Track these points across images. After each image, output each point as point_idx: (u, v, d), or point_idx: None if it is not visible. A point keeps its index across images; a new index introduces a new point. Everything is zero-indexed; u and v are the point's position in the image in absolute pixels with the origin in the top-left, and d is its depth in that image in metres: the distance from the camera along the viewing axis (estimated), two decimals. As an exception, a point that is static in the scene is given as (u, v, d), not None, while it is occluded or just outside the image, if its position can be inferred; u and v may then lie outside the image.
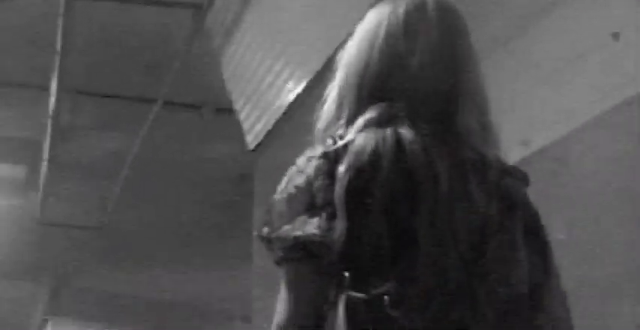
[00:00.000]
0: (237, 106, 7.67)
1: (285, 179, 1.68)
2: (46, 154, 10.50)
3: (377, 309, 1.50)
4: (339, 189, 1.57)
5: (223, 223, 11.15)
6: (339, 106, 1.75)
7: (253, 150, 7.63)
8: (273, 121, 7.06)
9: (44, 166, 10.82)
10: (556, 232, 1.98)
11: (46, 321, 20.58)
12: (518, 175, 1.73)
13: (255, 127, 7.52)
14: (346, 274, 1.52)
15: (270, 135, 6.94)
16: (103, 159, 11.41)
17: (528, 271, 1.60)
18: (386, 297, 1.51)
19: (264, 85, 7.15)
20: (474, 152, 1.66)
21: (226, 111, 8.83)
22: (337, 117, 1.74)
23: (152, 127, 9.52)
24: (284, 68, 6.69)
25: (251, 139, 7.58)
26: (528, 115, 4.31)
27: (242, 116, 7.71)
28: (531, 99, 4.24)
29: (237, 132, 8.01)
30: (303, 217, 1.58)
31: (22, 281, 19.22)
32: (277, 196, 1.66)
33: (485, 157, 1.66)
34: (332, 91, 1.77)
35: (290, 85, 6.50)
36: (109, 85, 9.83)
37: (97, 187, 12.12)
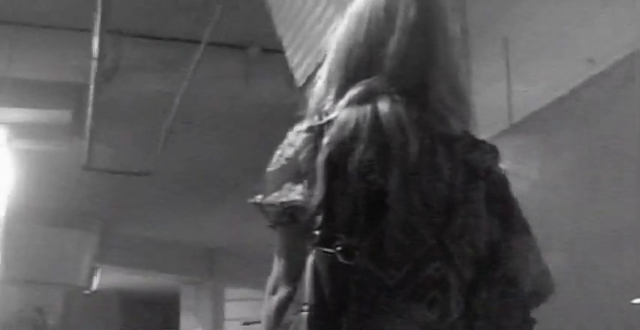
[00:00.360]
0: (285, 43, 7.43)
1: (277, 152, 1.89)
2: (90, 98, 10.33)
3: (347, 264, 1.65)
4: (320, 158, 1.77)
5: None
6: (328, 84, 1.96)
7: (300, 89, 7.43)
8: (320, 59, 6.85)
9: (89, 111, 10.67)
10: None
11: (95, 269, 20.73)
12: (485, 149, 1.91)
13: (302, 66, 7.30)
14: (316, 232, 1.69)
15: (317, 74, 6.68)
16: (149, 102, 11.25)
17: (489, 234, 1.79)
18: (357, 252, 1.67)
19: (312, 20, 6.91)
20: (444, 126, 1.85)
21: (272, 51, 8.61)
22: (326, 94, 1.95)
23: (197, 68, 9.32)
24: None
25: (299, 77, 7.36)
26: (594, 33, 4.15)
27: (290, 54, 7.48)
28: (598, 18, 4.08)
29: (284, 72, 7.78)
30: (288, 185, 1.78)
31: (70, 229, 19.30)
32: (270, 168, 1.88)
33: (453, 131, 1.86)
34: (323, 71, 1.96)
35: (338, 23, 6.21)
36: (154, 25, 9.62)
37: (143, 132, 11.99)
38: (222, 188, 13.92)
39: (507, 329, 1.78)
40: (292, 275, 1.77)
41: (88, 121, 11.01)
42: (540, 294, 1.86)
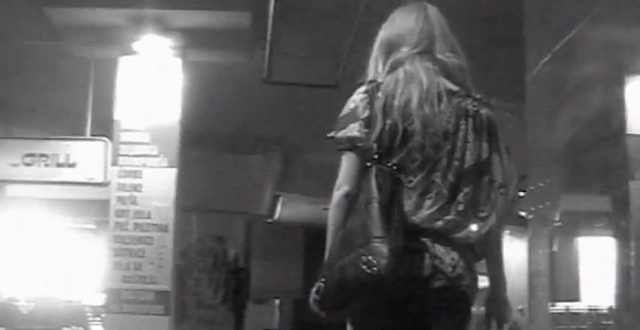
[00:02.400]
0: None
1: (346, 105, 3.03)
2: (271, 6, 9.01)
3: (391, 172, 2.83)
4: (377, 104, 2.97)
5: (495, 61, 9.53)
6: (376, 61, 3.15)
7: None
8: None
9: (270, 18, 9.33)
10: None
11: (277, 197, 20.40)
12: (475, 98, 3.02)
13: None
14: (375, 156, 2.87)
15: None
16: (334, 7, 9.79)
17: (474, 153, 2.93)
18: (395, 166, 2.87)
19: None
20: (448, 81, 3.03)
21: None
22: (375, 68, 3.15)
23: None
24: None
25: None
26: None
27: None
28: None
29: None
30: (352, 125, 2.94)
31: (250, 155, 18.37)
32: (341, 115, 3.04)
33: (454, 85, 3.03)
34: (372, 55, 3.17)
35: None
36: None
37: (328, 41, 10.55)
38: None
39: (489, 213, 2.92)
40: (351, 179, 2.90)
41: (269, 30, 9.69)
42: (512, 192, 2.95)
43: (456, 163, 2.90)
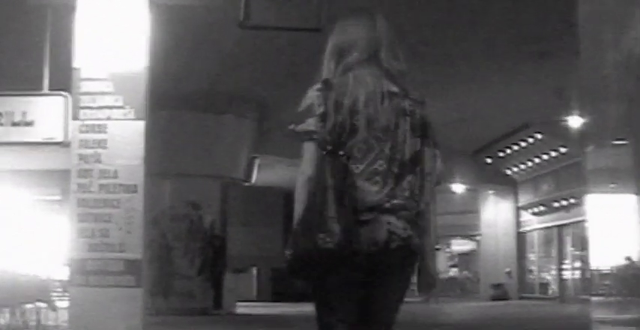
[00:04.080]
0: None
1: (303, 101, 3.35)
2: None
3: (341, 160, 3.29)
4: (330, 102, 3.32)
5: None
6: (328, 63, 3.47)
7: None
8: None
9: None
10: None
11: (253, 159, 19.28)
12: (414, 99, 3.43)
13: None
14: (329, 146, 3.29)
15: None
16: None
17: (411, 147, 3.37)
18: (344, 155, 3.30)
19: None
20: (391, 84, 3.41)
21: None
22: (328, 69, 3.47)
23: None
24: None
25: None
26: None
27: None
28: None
29: None
30: (309, 120, 3.30)
31: (222, 115, 17.24)
32: (299, 109, 3.34)
33: (395, 87, 3.41)
34: (326, 57, 3.47)
35: None
36: None
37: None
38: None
39: (421, 196, 3.36)
40: (311, 167, 3.31)
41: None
42: (440, 176, 3.45)
43: (398, 156, 3.34)
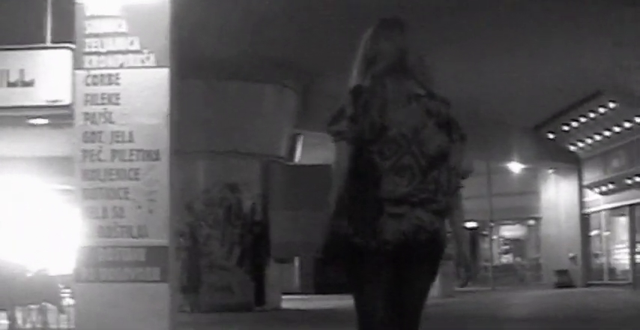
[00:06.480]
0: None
1: (339, 105, 3.60)
2: None
3: (371, 157, 3.55)
4: (360, 104, 3.55)
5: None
6: (358, 72, 3.69)
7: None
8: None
9: None
10: None
11: (297, 136, 17.64)
12: (440, 99, 3.65)
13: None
14: (360, 144, 3.54)
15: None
16: None
17: (436, 143, 3.58)
18: (375, 153, 3.55)
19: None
20: (417, 87, 3.65)
21: None
22: (358, 77, 3.69)
23: None
24: None
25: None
26: None
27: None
28: None
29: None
30: (341, 122, 3.50)
31: (261, 84, 15.44)
32: (332, 111, 3.55)
33: (421, 90, 3.64)
34: (355, 67, 3.71)
35: None
36: None
37: None
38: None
39: (448, 189, 3.62)
40: (344, 163, 3.52)
41: None
42: (466, 171, 3.81)
43: (424, 151, 3.58)
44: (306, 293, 23.84)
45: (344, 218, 3.54)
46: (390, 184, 3.55)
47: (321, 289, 24.32)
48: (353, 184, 3.55)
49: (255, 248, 16.01)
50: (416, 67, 3.74)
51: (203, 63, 13.80)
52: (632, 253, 23.47)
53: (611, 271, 25.00)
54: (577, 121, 22.28)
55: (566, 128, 22.97)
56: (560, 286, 24.69)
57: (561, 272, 25.46)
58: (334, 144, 3.58)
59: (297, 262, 25.62)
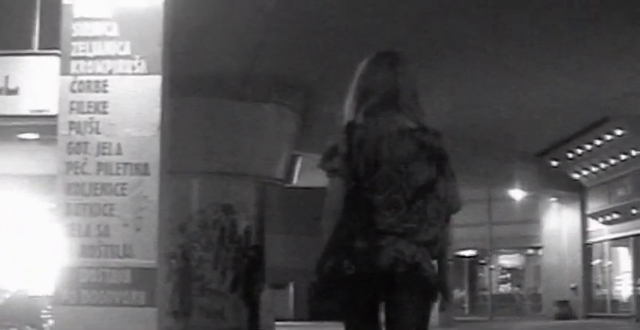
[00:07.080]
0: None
1: (330, 142, 3.65)
2: None
3: (364, 193, 3.65)
4: (354, 142, 3.63)
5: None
6: (351, 107, 3.78)
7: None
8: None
9: None
10: None
11: (295, 158, 17.44)
12: (432, 132, 3.74)
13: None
14: (353, 181, 3.66)
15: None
16: None
17: (425, 175, 3.67)
18: (368, 188, 3.65)
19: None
20: (409, 121, 3.73)
21: None
22: (350, 113, 3.77)
23: None
24: None
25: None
26: None
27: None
28: None
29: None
30: (334, 159, 3.60)
31: (262, 103, 15.02)
32: (324, 150, 3.67)
33: (413, 124, 3.72)
34: (348, 101, 3.79)
35: None
36: None
37: None
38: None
39: (436, 220, 3.68)
40: (335, 201, 3.63)
41: None
42: (453, 206, 3.78)
43: (412, 183, 3.67)
44: (300, 320, 23.41)
45: (338, 254, 3.61)
46: (379, 217, 3.66)
47: (315, 316, 23.87)
48: (346, 222, 3.63)
49: (249, 273, 15.64)
50: (408, 101, 3.86)
51: (201, 81, 13.55)
52: (636, 285, 23.02)
53: (614, 302, 24.53)
54: (582, 148, 21.85)
55: (570, 155, 22.55)
56: (560, 317, 24.23)
57: (562, 303, 24.96)
58: (328, 179, 3.71)
59: (291, 287, 25.22)
